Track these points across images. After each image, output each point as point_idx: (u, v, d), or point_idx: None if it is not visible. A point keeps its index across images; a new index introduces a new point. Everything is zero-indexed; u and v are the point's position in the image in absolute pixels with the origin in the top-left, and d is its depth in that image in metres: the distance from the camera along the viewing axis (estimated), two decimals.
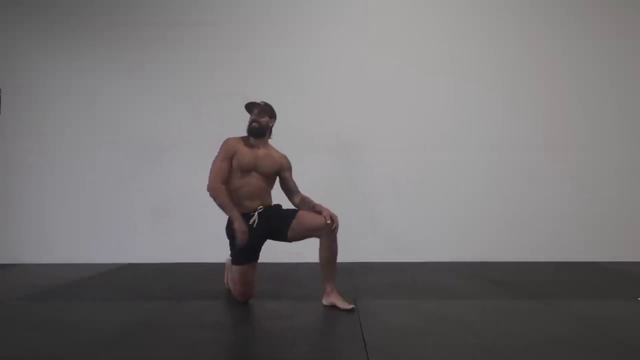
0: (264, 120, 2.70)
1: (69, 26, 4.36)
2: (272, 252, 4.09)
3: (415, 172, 4.31)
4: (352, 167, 4.31)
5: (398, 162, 4.31)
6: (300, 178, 4.30)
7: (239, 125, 4.39)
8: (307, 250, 4.23)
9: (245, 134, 2.77)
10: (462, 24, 4.40)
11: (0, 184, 4.31)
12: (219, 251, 3.89)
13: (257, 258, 2.70)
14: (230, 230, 2.59)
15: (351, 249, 4.21)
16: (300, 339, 2.01)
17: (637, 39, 4.38)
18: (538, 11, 4.39)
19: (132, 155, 4.31)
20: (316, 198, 4.22)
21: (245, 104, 2.72)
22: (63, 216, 4.29)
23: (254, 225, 2.58)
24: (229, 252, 2.68)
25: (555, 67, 4.36)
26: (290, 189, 2.78)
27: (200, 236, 4.04)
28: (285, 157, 2.84)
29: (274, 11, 4.39)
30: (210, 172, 2.64)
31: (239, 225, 2.48)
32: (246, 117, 2.81)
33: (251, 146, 2.70)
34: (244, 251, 2.58)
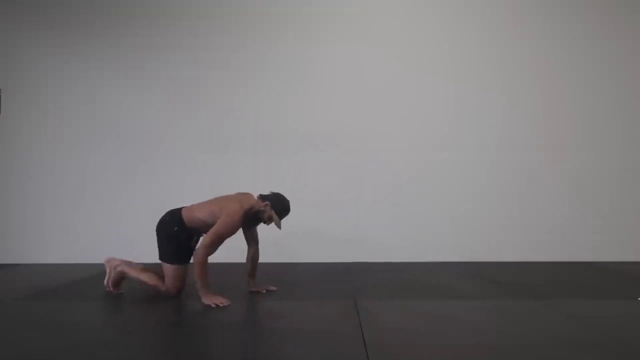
0: None
1: (69, 26, 4.36)
2: (272, 252, 4.10)
3: (415, 172, 4.31)
4: (352, 167, 4.30)
5: (398, 162, 4.31)
6: (300, 178, 4.33)
7: (239, 125, 4.41)
8: (306, 250, 4.26)
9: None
10: (462, 24, 4.40)
11: (0, 184, 4.31)
12: (218, 251, 3.88)
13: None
14: (163, 230, 2.78)
15: (351, 249, 4.24)
16: (300, 339, 2.01)
17: (637, 39, 4.37)
18: (538, 11, 4.39)
19: (132, 155, 4.31)
20: (316, 198, 4.25)
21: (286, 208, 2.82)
22: (63, 216, 4.29)
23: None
24: (162, 252, 2.81)
25: (555, 67, 4.36)
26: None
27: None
28: None
29: (274, 11, 4.39)
30: (207, 240, 2.64)
31: (215, 299, 2.58)
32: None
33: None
34: (185, 252, 2.80)
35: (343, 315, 2.38)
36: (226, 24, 4.36)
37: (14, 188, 4.31)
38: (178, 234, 2.77)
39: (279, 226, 2.77)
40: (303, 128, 4.30)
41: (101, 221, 4.27)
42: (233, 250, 4.08)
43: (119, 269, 2.89)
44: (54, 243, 4.24)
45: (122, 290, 2.95)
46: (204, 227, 2.75)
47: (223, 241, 2.66)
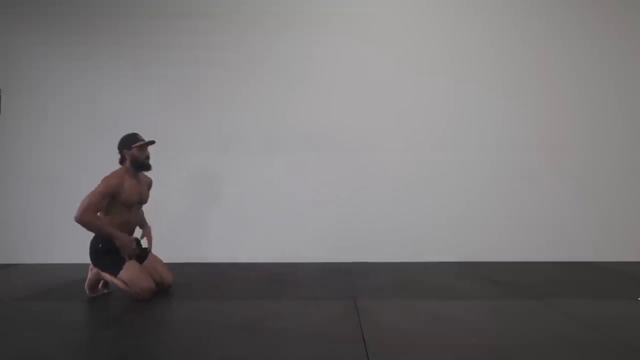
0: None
1: (69, 26, 4.36)
2: (271, 252, 4.10)
3: (414, 172, 4.31)
4: (352, 167, 4.30)
5: (398, 162, 4.31)
6: (300, 178, 4.32)
7: (239, 125, 4.40)
8: (306, 250, 4.25)
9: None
10: (462, 23, 4.40)
11: (0, 184, 4.31)
12: (218, 251, 3.89)
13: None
14: (94, 255, 2.86)
15: (351, 249, 4.24)
16: (300, 339, 2.01)
17: (637, 39, 4.38)
18: (538, 11, 4.39)
19: None
20: (316, 198, 4.25)
21: (138, 141, 2.94)
22: (63, 216, 4.28)
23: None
24: (111, 269, 2.83)
25: (556, 67, 4.37)
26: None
27: (200, 236, 4.04)
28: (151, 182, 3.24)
29: (273, 10, 4.39)
30: (83, 203, 2.77)
31: (125, 241, 2.80)
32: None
33: (134, 180, 2.94)
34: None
35: (343, 315, 2.38)
36: (226, 23, 4.36)
37: (14, 188, 4.31)
38: (109, 246, 2.85)
39: (144, 148, 2.98)
40: (303, 128, 4.30)
41: None
42: (235, 250, 4.09)
43: (94, 269, 2.91)
44: (54, 243, 4.24)
45: (110, 290, 2.98)
46: (113, 225, 2.87)
47: (95, 203, 2.77)
